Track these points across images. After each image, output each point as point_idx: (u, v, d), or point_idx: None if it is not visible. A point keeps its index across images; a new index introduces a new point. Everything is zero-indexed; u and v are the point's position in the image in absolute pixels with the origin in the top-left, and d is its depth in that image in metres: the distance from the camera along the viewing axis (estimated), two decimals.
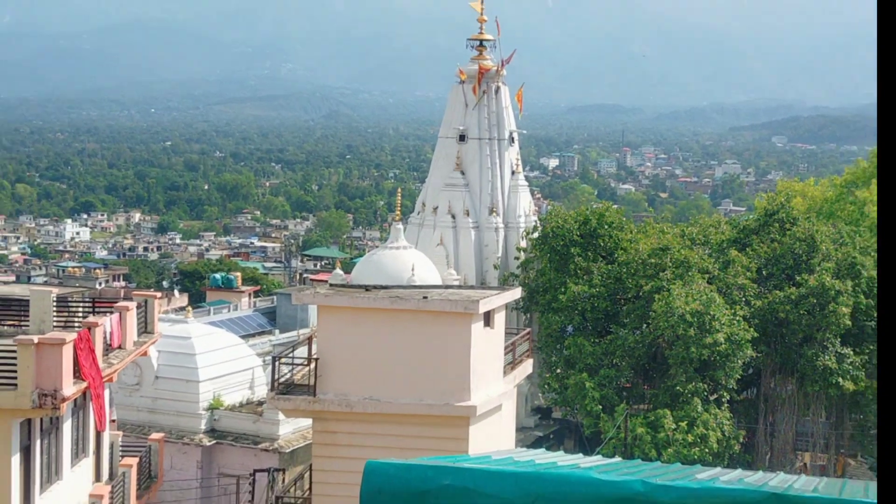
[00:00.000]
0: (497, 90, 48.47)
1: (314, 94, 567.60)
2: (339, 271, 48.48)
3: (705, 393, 36.55)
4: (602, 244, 41.90)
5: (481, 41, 48.77)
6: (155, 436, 31.00)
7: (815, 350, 38.60)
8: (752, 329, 37.43)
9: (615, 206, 51.18)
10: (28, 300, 24.07)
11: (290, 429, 34.37)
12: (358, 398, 24.30)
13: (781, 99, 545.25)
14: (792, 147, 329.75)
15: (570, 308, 39.91)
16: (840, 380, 38.64)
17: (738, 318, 37.19)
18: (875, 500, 7.05)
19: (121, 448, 26.85)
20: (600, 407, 36.90)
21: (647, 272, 38.93)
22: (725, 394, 37.75)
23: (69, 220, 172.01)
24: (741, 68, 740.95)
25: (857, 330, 39.79)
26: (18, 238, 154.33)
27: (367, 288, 27.17)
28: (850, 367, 38.90)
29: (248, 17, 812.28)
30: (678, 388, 36.22)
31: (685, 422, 35.20)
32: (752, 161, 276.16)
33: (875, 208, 49.98)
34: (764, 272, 41.09)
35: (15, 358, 19.76)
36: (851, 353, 39.21)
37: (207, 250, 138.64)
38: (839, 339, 39.10)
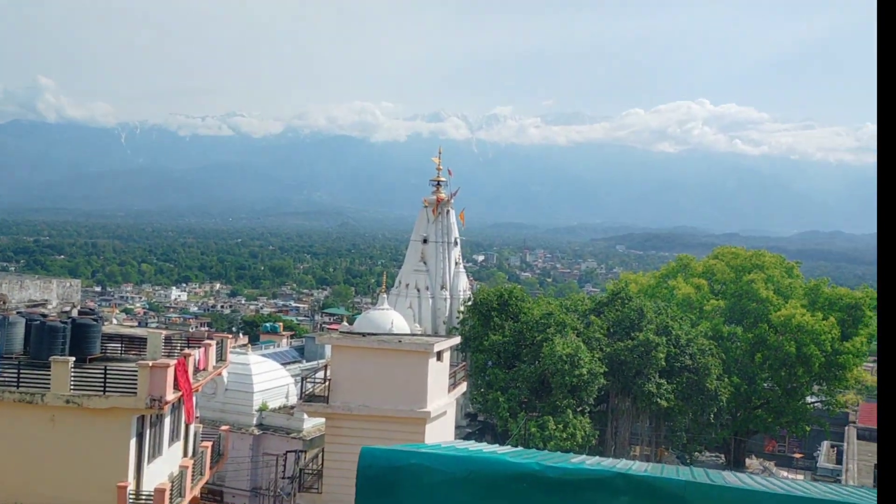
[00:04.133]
0: (448, 212, 48.75)
1: (333, 212, 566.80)
2: (345, 323, 47.96)
3: (574, 406, 36.36)
4: (511, 310, 41.93)
5: (438, 182, 49.13)
6: (223, 427, 30.26)
7: (643, 380, 38.54)
8: (603, 366, 37.46)
9: (519, 287, 51.26)
10: (146, 338, 23.58)
11: (311, 424, 33.71)
12: (355, 405, 23.91)
13: (622, 222, 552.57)
14: (628, 252, 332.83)
15: (490, 350, 39.74)
16: (658, 400, 38.61)
17: (595, 358, 37.21)
18: (683, 478, 7.00)
19: (201, 435, 26.15)
20: (508, 414, 36.56)
21: (538, 328, 38.94)
22: (587, 407, 37.59)
23: (174, 287, 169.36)
24: (597, 202, 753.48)
25: (669, 368, 39.88)
26: (141, 298, 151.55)
27: (363, 334, 26.91)
28: (665, 392, 38.80)
29: (293, 161, 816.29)
30: (557, 402, 35.99)
31: (562, 424, 34.91)
32: (604, 260, 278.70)
33: (681, 293, 50.41)
34: (611, 330, 41.23)
35: (136, 375, 19.30)
36: (665, 382, 39.17)
37: (262, 308, 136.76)
38: (658, 374, 39.18)
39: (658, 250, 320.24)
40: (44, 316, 23.41)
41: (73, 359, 19.86)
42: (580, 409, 36.66)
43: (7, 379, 19.65)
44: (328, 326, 73.00)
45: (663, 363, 38.81)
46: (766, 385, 46.98)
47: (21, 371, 19.73)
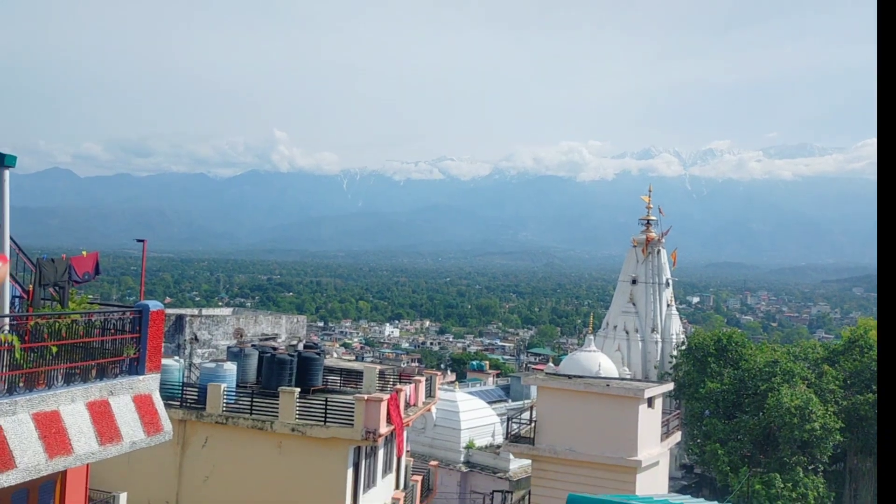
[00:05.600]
0: (658, 252, 47.23)
1: (539, 251, 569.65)
2: (551, 364, 47.72)
3: (805, 463, 33.27)
4: (730, 356, 39.46)
5: (648, 220, 47.88)
6: (432, 463, 31.04)
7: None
8: (839, 421, 34.00)
9: (739, 331, 48.11)
10: (363, 372, 24.92)
11: (517, 465, 33.65)
12: (562, 448, 23.55)
13: (859, 262, 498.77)
14: (867, 295, 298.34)
15: (707, 398, 37.56)
16: None
17: (829, 412, 33.90)
18: None
19: (412, 469, 27.01)
20: (728, 468, 34.19)
21: (762, 377, 36.24)
22: (820, 465, 34.23)
23: (388, 324, 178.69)
24: (828, 240, 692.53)
25: None
26: (358, 333, 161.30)
27: (570, 377, 26.58)
28: None
29: (500, 202, 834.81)
30: (785, 458, 33.18)
31: (790, 483, 32.07)
32: (838, 304, 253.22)
33: None
34: (848, 381, 37.41)
35: (353, 408, 20.41)
36: None
37: (469, 346, 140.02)
38: None
39: None
40: (274, 349, 25.55)
41: (299, 389, 21.44)
42: (812, 467, 33.50)
43: (242, 406, 21.61)
44: (534, 367, 72.93)
45: None
46: None
47: (254, 399, 21.62)
